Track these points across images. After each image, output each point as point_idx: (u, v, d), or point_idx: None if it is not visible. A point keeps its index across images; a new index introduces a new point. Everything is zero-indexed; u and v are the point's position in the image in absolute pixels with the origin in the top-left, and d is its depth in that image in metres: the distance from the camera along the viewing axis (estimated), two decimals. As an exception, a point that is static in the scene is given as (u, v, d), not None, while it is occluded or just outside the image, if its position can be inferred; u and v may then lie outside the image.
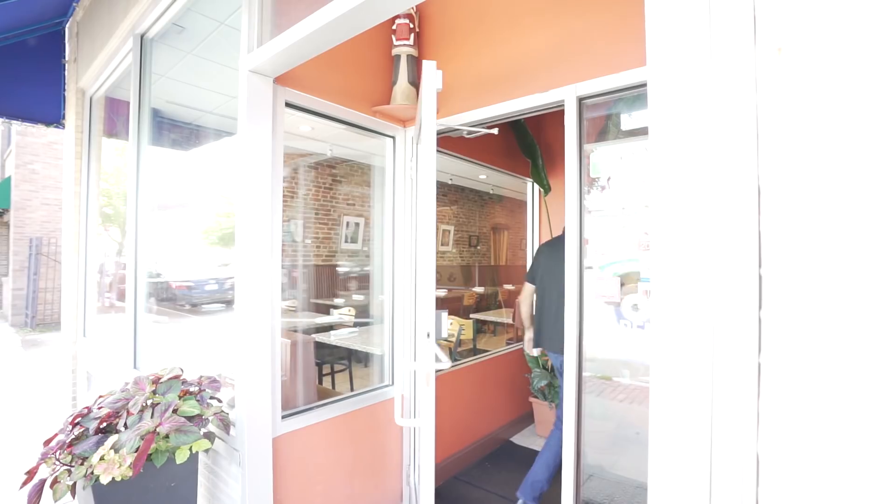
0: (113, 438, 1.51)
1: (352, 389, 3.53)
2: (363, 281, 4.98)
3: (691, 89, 0.72)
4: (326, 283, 4.99)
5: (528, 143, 3.65)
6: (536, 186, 4.12)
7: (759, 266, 0.65)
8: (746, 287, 0.66)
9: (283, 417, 1.95)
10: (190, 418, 1.71)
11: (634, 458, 2.00)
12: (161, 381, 1.82)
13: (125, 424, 1.62)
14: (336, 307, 4.37)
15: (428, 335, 1.43)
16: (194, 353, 3.15)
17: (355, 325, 3.98)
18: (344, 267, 5.16)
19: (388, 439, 2.42)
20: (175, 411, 1.70)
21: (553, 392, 3.38)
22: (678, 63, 0.73)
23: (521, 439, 3.52)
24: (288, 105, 2.00)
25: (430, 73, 1.49)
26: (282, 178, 1.94)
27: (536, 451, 2.93)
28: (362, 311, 4.15)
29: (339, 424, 2.17)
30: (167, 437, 1.60)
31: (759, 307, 0.65)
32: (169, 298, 4.80)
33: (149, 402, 1.71)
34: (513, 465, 3.10)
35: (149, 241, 2.85)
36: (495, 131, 2.24)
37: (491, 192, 4.97)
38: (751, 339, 0.66)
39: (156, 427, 1.55)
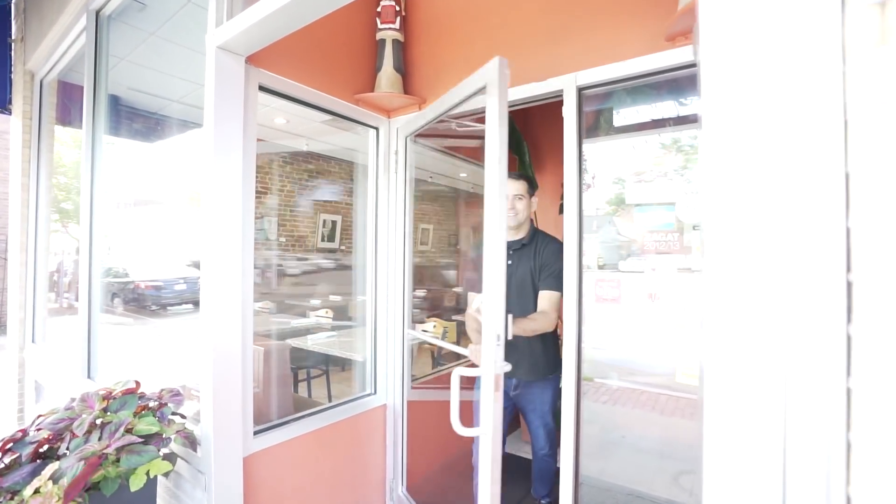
0: (52, 466, 1.30)
1: (329, 398, 3.34)
2: (341, 281, 4.78)
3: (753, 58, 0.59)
4: (302, 284, 4.77)
5: (516, 139, 3.52)
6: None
7: (848, 271, 0.54)
8: (831, 297, 0.54)
9: (256, 434, 1.76)
10: (148, 437, 1.51)
11: (623, 464, 1.93)
12: (113, 395, 1.61)
13: (68, 448, 1.41)
14: (313, 309, 4.16)
15: (497, 338, 1.36)
16: (157, 360, 2.90)
17: (333, 328, 3.79)
18: (321, 266, 4.94)
19: (370, 452, 2.26)
20: (129, 430, 1.50)
21: None
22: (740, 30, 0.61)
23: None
24: (262, 89, 1.81)
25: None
26: (254, 169, 1.75)
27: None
28: (341, 312, 3.96)
29: (318, 438, 2.00)
30: (118, 460, 1.40)
31: (848, 321, 0.53)
32: (131, 300, 4.50)
33: (98, 422, 1.50)
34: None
35: (107, 239, 2.60)
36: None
37: (471, 189, 4.84)
38: (837, 359, 0.54)
39: (102, 449, 1.35)
